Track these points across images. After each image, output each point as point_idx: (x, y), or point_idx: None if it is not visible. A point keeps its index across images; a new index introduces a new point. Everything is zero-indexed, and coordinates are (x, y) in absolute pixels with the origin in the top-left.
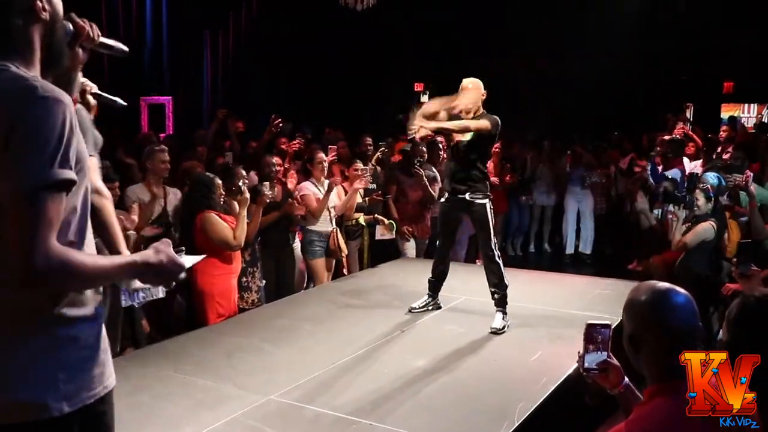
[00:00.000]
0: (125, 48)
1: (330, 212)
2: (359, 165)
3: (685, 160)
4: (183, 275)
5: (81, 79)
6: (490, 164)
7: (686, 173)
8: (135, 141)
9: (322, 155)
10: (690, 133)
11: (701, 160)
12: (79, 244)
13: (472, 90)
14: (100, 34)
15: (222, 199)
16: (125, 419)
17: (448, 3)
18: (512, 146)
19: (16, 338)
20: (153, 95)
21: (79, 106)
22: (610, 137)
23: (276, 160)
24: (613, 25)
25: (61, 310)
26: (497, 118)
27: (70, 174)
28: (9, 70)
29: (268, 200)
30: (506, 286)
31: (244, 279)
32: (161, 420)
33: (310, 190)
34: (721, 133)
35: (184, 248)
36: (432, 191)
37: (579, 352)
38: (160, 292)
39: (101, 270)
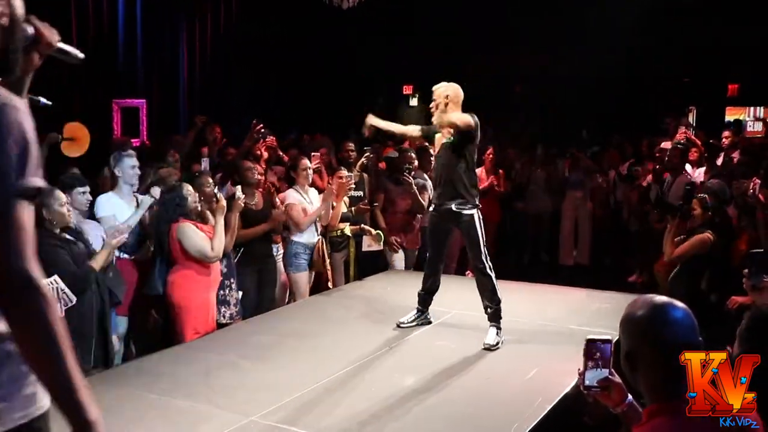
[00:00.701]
0: (81, 55)
1: (316, 222)
2: (343, 172)
3: (687, 166)
4: None
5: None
6: (482, 171)
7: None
8: (106, 147)
9: (306, 162)
10: (693, 138)
11: (705, 167)
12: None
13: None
14: (59, 38)
15: (198, 206)
16: None
17: (436, 1)
18: (506, 151)
19: None
20: (126, 97)
21: None
22: (611, 139)
23: (257, 167)
24: (614, 24)
25: None
26: (471, 115)
27: (40, 182)
28: None
29: (243, 205)
30: (499, 300)
31: (221, 292)
32: None
33: (296, 198)
34: (723, 139)
35: None
36: (422, 200)
37: (579, 370)
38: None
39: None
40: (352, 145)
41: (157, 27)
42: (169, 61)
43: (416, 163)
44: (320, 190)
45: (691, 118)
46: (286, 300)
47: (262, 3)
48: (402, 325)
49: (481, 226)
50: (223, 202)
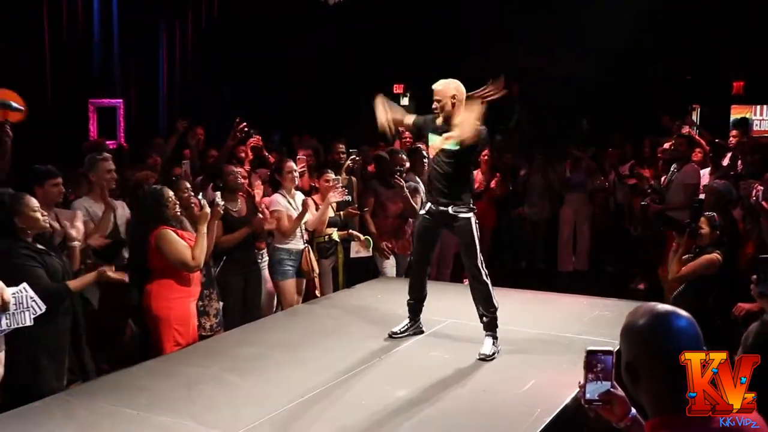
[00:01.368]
0: None
1: (302, 228)
2: (330, 175)
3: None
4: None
5: None
6: (478, 173)
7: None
8: (81, 150)
9: (291, 164)
10: (696, 137)
11: (710, 168)
12: None
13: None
14: None
15: (177, 211)
16: None
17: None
18: (503, 154)
19: None
20: (102, 97)
21: None
22: (611, 139)
23: (241, 171)
24: (612, 23)
25: None
26: (485, 129)
27: None
28: None
29: (222, 212)
30: (496, 308)
31: (200, 303)
32: None
33: (282, 204)
34: (731, 138)
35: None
36: (414, 203)
37: (579, 382)
38: (27, 319)
39: None
40: (342, 147)
41: (134, 23)
42: (147, 59)
43: (408, 164)
44: (305, 192)
45: (695, 117)
46: (273, 309)
47: (245, 1)
48: (394, 335)
49: (477, 231)
50: (207, 209)
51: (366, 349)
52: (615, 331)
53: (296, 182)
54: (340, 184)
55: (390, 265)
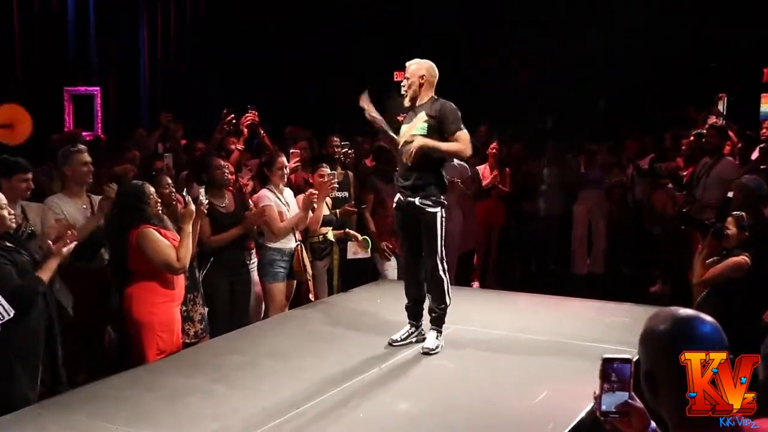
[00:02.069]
0: None
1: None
2: (325, 170)
3: None
4: None
5: None
6: (485, 169)
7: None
8: (52, 142)
9: (283, 160)
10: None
11: (737, 162)
12: None
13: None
14: None
15: (159, 209)
16: None
17: None
18: (511, 147)
19: None
20: (78, 84)
21: None
22: (628, 131)
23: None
24: (629, 4)
25: None
26: (455, 109)
27: None
28: None
29: (205, 210)
30: (447, 305)
31: (185, 307)
32: None
33: (272, 200)
34: (764, 130)
35: None
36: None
37: (595, 393)
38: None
39: None
40: (337, 140)
41: (111, 4)
42: (126, 43)
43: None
44: (297, 190)
45: (721, 107)
46: (262, 314)
47: None
48: (394, 343)
49: (442, 226)
50: (192, 207)
51: (364, 358)
52: (633, 337)
53: (285, 179)
54: (335, 180)
55: (391, 267)
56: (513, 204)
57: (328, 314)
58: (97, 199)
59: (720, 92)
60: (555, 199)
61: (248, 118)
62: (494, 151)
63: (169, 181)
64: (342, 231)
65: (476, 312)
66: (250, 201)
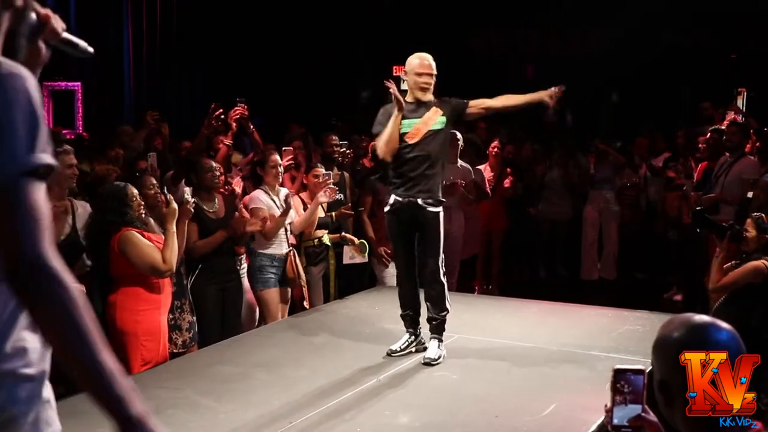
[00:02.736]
0: (90, 49)
1: (286, 230)
2: (321, 170)
3: None
4: None
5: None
6: (485, 167)
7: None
8: None
9: (276, 158)
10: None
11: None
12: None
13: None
14: (64, 27)
15: (143, 212)
16: None
17: None
18: (516, 145)
19: None
20: (57, 79)
21: None
22: (640, 129)
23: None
24: None
25: None
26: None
27: (50, 158)
28: None
29: (192, 210)
30: (447, 311)
31: (172, 315)
32: None
33: (264, 202)
34: None
35: None
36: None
37: (606, 405)
38: None
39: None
40: (336, 139)
41: None
42: (109, 36)
43: None
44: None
45: (740, 103)
46: (254, 323)
47: None
48: (393, 353)
49: (442, 228)
50: (174, 205)
51: (361, 368)
52: (646, 347)
53: (280, 178)
54: (332, 181)
55: (390, 273)
56: (517, 206)
57: (323, 322)
58: (78, 203)
59: (739, 86)
60: (563, 200)
61: (237, 111)
62: (495, 150)
63: (154, 181)
64: (338, 235)
65: (480, 320)
66: (240, 205)
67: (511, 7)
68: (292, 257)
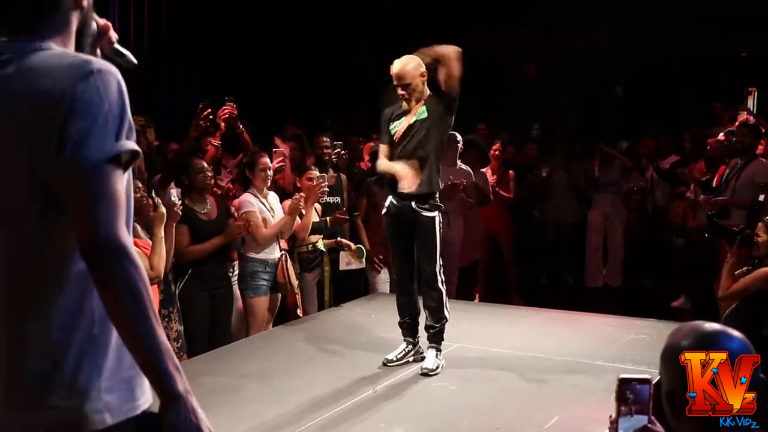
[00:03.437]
0: (134, 60)
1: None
2: (314, 173)
3: None
4: None
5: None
6: (489, 171)
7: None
8: None
9: (266, 160)
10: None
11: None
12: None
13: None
14: (117, 38)
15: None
16: None
17: None
18: (522, 147)
19: None
20: None
21: None
22: (647, 130)
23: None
24: None
25: None
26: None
27: (133, 145)
28: (53, 48)
29: (180, 213)
30: (446, 319)
31: None
32: None
33: (254, 205)
34: None
35: None
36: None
37: (611, 416)
38: None
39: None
40: (327, 140)
41: None
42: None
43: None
44: (283, 195)
45: (751, 103)
46: (246, 332)
47: None
48: (390, 363)
49: (440, 233)
50: (162, 210)
51: (356, 378)
52: (652, 356)
53: (269, 182)
54: (326, 183)
55: (383, 279)
56: (520, 210)
57: (317, 331)
58: None
59: (750, 86)
60: (567, 204)
61: (225, 110)
62: (497, 152)
63: (140, 185)
64: (333, 240)
65: (480, 328)
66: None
67: (511, 7)
68: (284, 262)
